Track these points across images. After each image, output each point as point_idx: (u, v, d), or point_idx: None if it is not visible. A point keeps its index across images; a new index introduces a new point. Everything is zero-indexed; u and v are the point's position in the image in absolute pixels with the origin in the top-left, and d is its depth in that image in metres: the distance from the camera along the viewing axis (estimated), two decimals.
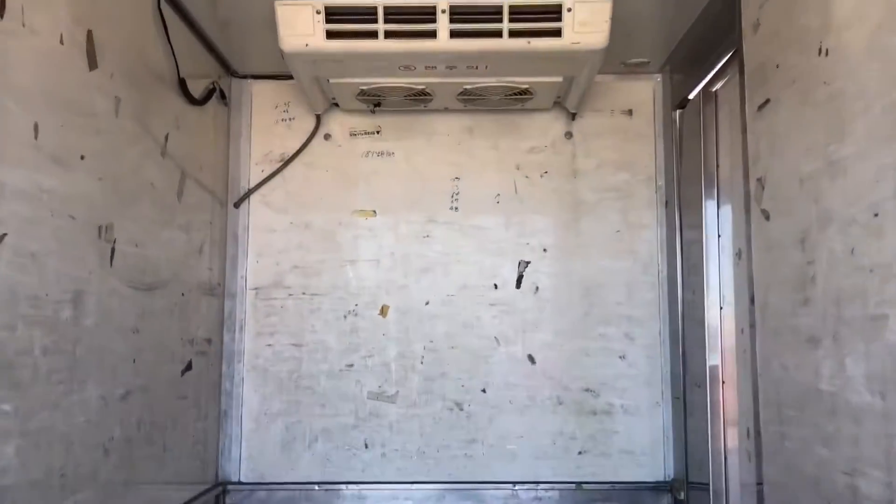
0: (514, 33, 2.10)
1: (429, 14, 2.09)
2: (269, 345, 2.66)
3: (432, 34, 2.10)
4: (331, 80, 2.38)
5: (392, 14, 2.09)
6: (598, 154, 2.72)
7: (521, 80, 2.38)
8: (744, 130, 1.85)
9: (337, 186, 2.72)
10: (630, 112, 2.73)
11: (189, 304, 2.30)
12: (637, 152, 2.71)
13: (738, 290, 2.15)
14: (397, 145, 2.73)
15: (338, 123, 2.75)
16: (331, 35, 2.11)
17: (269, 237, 2.70)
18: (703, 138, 2.33)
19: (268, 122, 2.75)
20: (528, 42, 2.11)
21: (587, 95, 2.59)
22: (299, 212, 2.71)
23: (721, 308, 2.27)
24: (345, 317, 2.67)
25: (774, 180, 1.68)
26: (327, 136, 2.74)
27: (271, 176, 2.72)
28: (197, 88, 2.36)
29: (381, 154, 2.73)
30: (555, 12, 2.09)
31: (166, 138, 2.13)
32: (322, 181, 2.72)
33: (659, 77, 2.74)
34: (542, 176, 2.71)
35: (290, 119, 2.75)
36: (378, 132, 2.74)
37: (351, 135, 2.74)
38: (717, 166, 2.30)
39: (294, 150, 2.72)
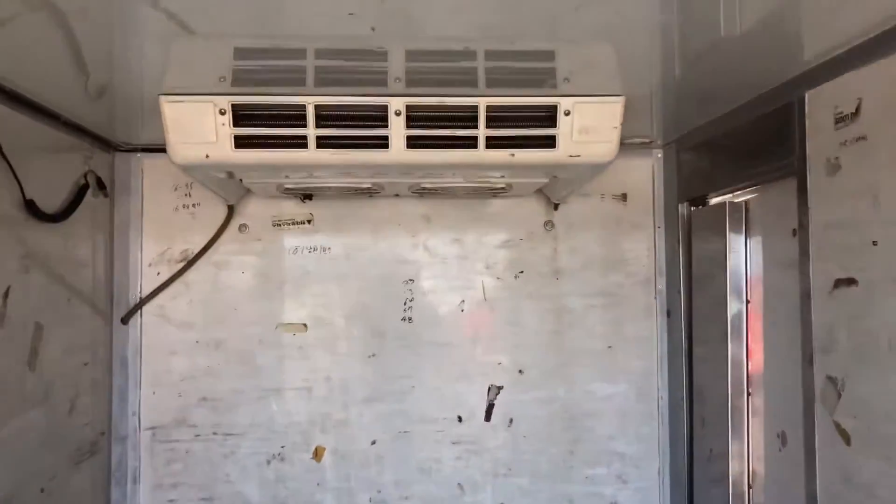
0: (493, 143, 1.59)
1: (378, 117, 1.56)
2: (171, 500, 2.13)
3: (383, 143, 1.57)
4: (244, 181, 1.82)
5: (328, 116, 1.54)
6: (585, 249, 2.24)
7: (497, 181, 1.87)
8: (805, 298, 1.40)
9: (256, 293, 2.18)
10: (624, 196, 2.26)
11: (58, 477, 1.75)
12: (632, 247, 2.25)
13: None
14: (335, 238, 2.20)
15: (257, 211, 2.19)
16: (241, 143, 1.55)
17: (168, 361, 2.15)
18: (728, 250, 1.88)
19: (165, 209, 2.17)
20: (512, 154, 1.60)
21: None
22: (208, 327, 2.16)
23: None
24: (268, 462, 2.15)
25: (860, 396, 1.24)
26: (243, 228, 2.18)
27: (170, 281, 2.15)
28: (60, 185, 1.77)
29: (313, 250, 2.20)
30: (547, 116, 1.58)
31: (6, 294, 1.56)
32: (237, 286, 2.17)
33: (660, 153, 2.26)
34: (516, 277, 2.23)
35: (194, 205, 2.18)
36: (309, 222, 2.20)
37: (274, 225, 2.19)
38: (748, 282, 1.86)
39: (200, 246, 2.16)
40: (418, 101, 1.55)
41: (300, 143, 1.56)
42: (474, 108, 1.56)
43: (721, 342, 1.90)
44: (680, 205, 2.15)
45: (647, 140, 2.14)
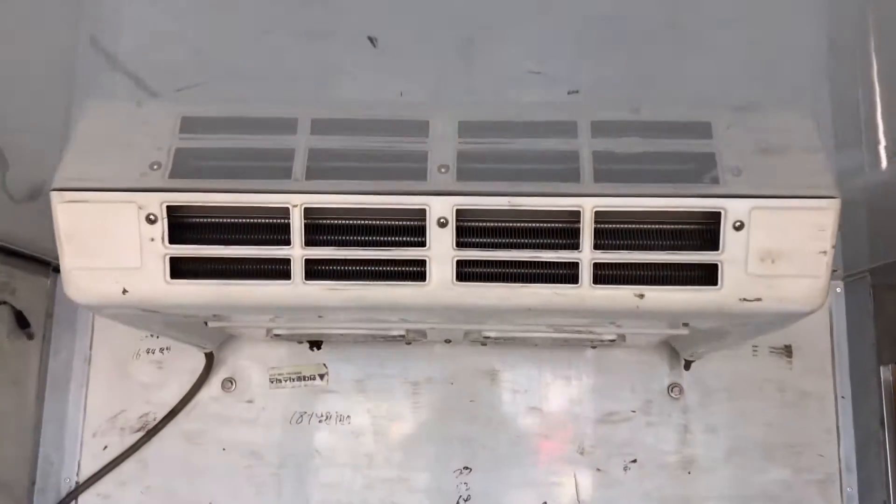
0: (605, 275, 0.95)
1: (410, 229, 0.96)
2: None
3: (416, 272, 0.96)
4: (209, 324, 1.23)
5: (325, 228, 0.95)
6: (732, 429, 1.55)
7: (603, 332, 1.22)
8: None
9: (242, 479, 1.54)
10: (788, 350, 1.57)
11: None
12: (804, 428, 1.54)
13: None
14: (357, 403, 1.57)
15: (248, 361, 1.59)
16: (182, 271, 0.96)
17: None
18: None
19: (121, 355, 1.59)
20: (640, 296, 0.95)
21: None
22: None
23: None
24: None
25: None
26: (228, 384, 1.58)
27: (122, 458, 1.55)
28: None
29: (325, 418, 1.56)
30: (703, 231, 0.95)
31: None
32: (215, 469, 1.55)
33: (840, 288, 1.58)
34: (626, 469, 1.53)
35: (162, 350, 1.59)
36: (322, 377, 1.58)
37: (272, 381, 1.58)
38: None
39: (167, 409, 1.56)
40: (476, 204, 0.94)
41: (279, 270, 0.96)
42: (575, 217, 0.94)
43: None
44: (882, 367, 1.45)
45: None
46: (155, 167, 0.95)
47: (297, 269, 0.95)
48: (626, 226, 0.95)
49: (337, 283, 0.96)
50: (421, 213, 0.94)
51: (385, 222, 0.96)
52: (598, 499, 1.52)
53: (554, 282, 0.95)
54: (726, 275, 0.94)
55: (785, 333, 1.57)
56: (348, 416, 1.56)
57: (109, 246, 0.95)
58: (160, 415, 1.56)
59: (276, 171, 0.94)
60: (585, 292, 0.95)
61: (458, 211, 0.94)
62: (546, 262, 0.95)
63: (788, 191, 0.92)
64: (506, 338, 1.30)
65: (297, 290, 0.96)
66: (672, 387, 1.56)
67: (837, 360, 1.56)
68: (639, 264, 0.95)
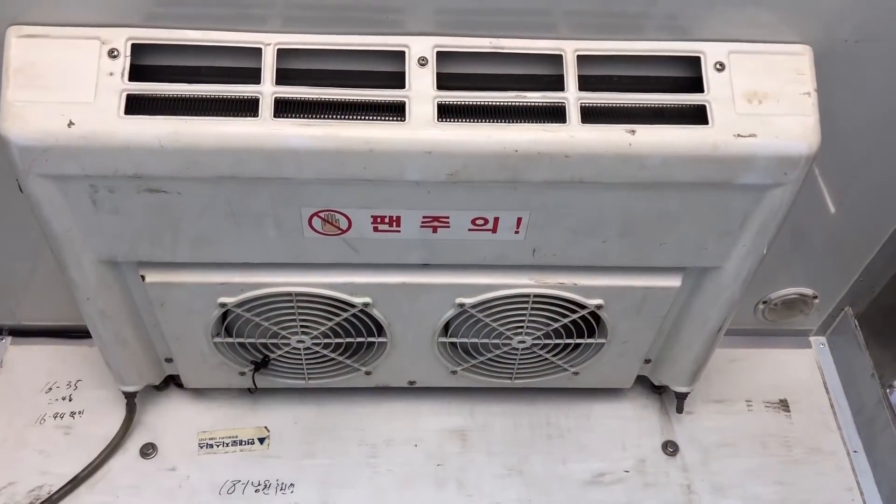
0: (594, 114, 0.92)
1: (387, 75, 0.93)
2: None
3: (395, 111, 0.90)
4: (147, 278, 1.08)
5: (300, 73, 0.92)
6: (741, 487, 1.34)
7: (591, 284, 1.12)
8: None
9: None
10: (784, 404, 1.44)
11: None
12: (822, 486, 1.35)
13: None
14: (302, 470, 1.32)
15: (173, 422, 1.36)
16: (138, 106, 0.88)
17: None
18: None
19: (21, 420, 1.35)
20: (631, 132, 0.90)
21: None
22: None
23: None
24: None
25: None
26: (149, 451, 1.32)
27: None
28: None
29: (264, 488, 1.30)
30: (685, 80, 0.95)
31: None
32: None
33: (823, 341, 1.51)
34: None
35: (73, 414, 1.35)
36: (262, 441, 1.34)
37: (202, 446, 1.33)
38: None
39: (68, 479, 1.27)
40: (458, 46, 0.93)
41: (246, 109, 0.89)
42: (557, 60, 0.93)
43: None
44: (888, 390, 1.33)
45: (810, 292, 1.40)
46: (123, 7, 0.92)
47: (267, 105, 0.89)
48: (610, 73, 0.94)
49: (309, 119, 0.89)
50: (400, 56, 0.92)
51: (363, 67, 0.93)
52: None
53: (540, 120, 0.91)
54: (716, 113, 0.92)
55: (778, 388, 1.45)
56: (292, 485, 1.30)
57: (61, 80, 0.88)
58: (55, 487, 1.27)
59: (252, 18, 0.92)
60: (574, 130, 0.90)
61: (438, 53, 0.92)
62: (532, 107, 0.91)
63: (763, 37, 0.95)
64: (481, 320, 1.15)
65: (264, 126, 0.88)
66: (667, 445, 1.37)
67: (839, 415, 1.42)
68: (627, 108, 0.92)
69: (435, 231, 1.02)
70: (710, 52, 0.94)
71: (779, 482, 1.34)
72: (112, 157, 0.89)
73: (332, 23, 0.92)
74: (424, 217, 0.99)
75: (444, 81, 0.92)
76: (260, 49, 0.91)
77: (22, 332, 1.43)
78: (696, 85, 0.94)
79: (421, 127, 0.89)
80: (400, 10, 0.91)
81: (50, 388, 1.38)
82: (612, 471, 1.34)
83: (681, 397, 1.36)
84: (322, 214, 0.99)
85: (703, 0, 0.92)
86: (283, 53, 0.91)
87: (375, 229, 1.01)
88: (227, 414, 1.37)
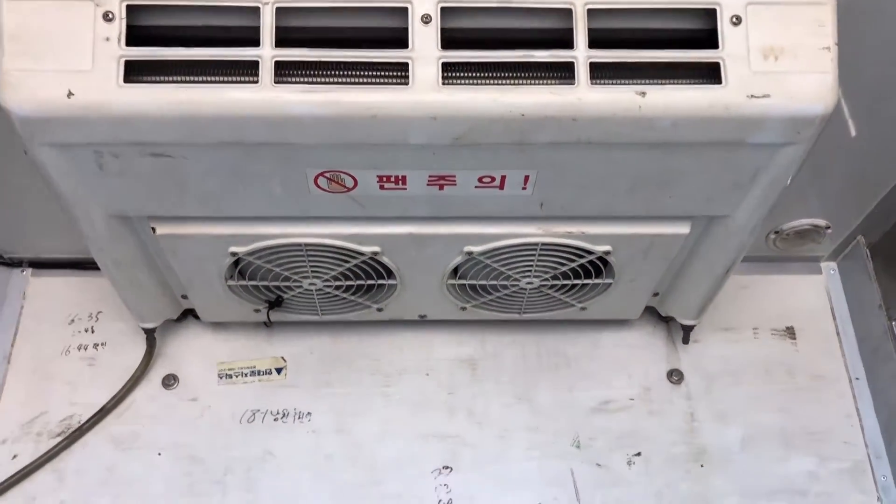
0: (603, 74, 0.89)
1: (389, 35, 0.90)
2: None
3: (398, 75, 0.88)
4: (158, 230, 1.09)
5: (299, 33, 0.89)
6: (743, 416, 1.38)
7: (599, 232, 1.12)
8: None
9: (182, 491, 1.29)
10: (790, 332, 1.46)
11: None
12: (822, 413, 1.39)
13: None
14: (318, 399, 1.38)
15: (193, 354, 1.41)
16: (137, 74, 0.87)
17: None
18: None
19: (47, 351, 1.40)
20: (642, 94, 0.88)
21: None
22: None
23: None
24: None
25: None
26: (171, 382, 1.38)
27: (33, 468, 1.30)
28: None
29: (282, 417, 1.36)
30: (700, 34, 0.91)
31: None
32: (146, 479, 1.30)
33: (833, 267, 1.51)
34: (630, 463, 1.33)
35: (96, 345, 1.40)
36: (279, 371, 1.39)
37: (221, 377, 1.38)
38: None
39: (96, 409, 1.34)
40: (463, 0, 0.88)
41: (246, 73, 0.87)
42: (567, 16, 0.89)
43: None
44: (894, 324, 1.34)
45: (822, 224, 1.39)
46: None
47: (267, 69, 0.86)
48: (621, 27, 0.91)
49: (310, 85, 0.87)
50: (402, 12, 0.88)
51: (363, 23, 0.90)
52: (602, 499, 1.30)
53: (546, 81, 0.88)
54: (730, 71, 0.88)
55: (785, 315, 1.47)
56: (308, 413, 1.36)
57: (58, 47, 0.86)
58: (86, 417, 1.33)
59: None
60: (583, 92, 0.88)
61: (442, 9, 0.88)
62: (539, 63, 0.89)
63: None
64: (490, 265, 1.16)
65: (265, 93, 0.86)
66: (672, 373, 1.41)
67: (844, 341, 1.45)
68: (638, 65, 0.89)
69: (441, 188, 1.01)
70: (726, 4, 0.89)
71: (780, 409, 1.38)
72: (113, 126, 0.88)
73: None
74: (430, 176, 0.99)
75: (449, 37, 0.89)
76: (258, 8, 0.88)
77: (42, 265, 1.46)
78: (710, 38, 0.90)
79: (425, 91, 0.87)
80: None
81: (72, 321, 1.42)
82: (617, 398, 1.38)
83: (687, 329, 1.39)
84: (327, 174, 0.98)
85: None
86: (281, 11, 0.88)
87: (381, 187, 1.01)
88: (244, 344, 1.41)
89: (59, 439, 1.31)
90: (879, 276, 1.39)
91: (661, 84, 0.88)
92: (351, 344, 1.41)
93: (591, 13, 0.89)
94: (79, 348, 1.39)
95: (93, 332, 1.41)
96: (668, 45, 0.90)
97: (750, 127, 0.90)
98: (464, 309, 1.32)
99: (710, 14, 0.90)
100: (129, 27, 0.87)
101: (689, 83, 0.88)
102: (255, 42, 0.88)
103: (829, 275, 1.51)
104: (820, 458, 1.34)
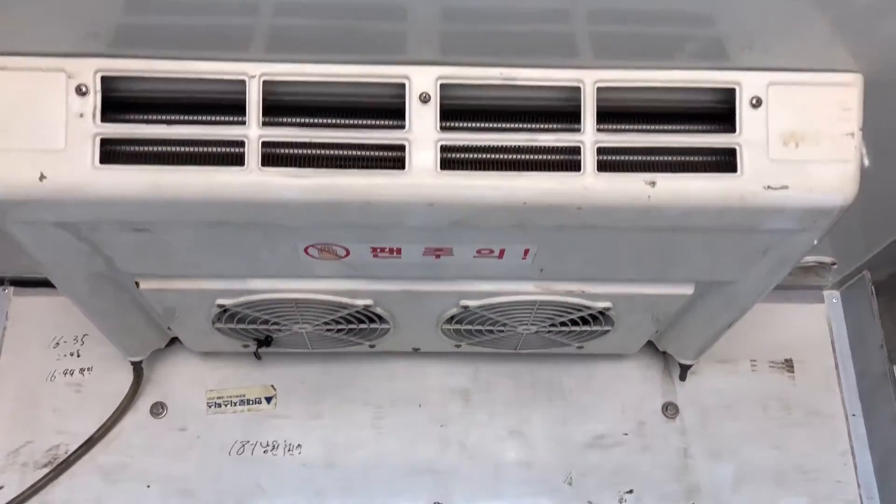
0: (610, 160, 0.84)
1: (385, 109, 0.83)
2: None
3: (394, 157, 0.82)
4: (141, 285, 1.04)
5: (288, 107, 0.83)
6: (737, 453, 1.37)
7: (600, 292, 1.08)
8: None
9: None
10: (789, 365, 1.43)
11: None
12: (815, 450, 1.38)
13: None
14: (309, 430, 1.36)
15: (182, 382, 1.38)
16: (114, 153, 0.81)
17: None
18: None
19: (32, 377, 1.37)
20: (651, 184, 0.83)
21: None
22: None
23: None
24: None
25: None
26: (159, 410, 1.35)
27: (20, 499, 1.28)
28: None
29: (272, 448, 1.34)
30: (716, 113, 0.85)
31: None
32: None
33: (836, 297, 1.48)
34: (621, 501, 1.33)
35: (82, 370, 1.37)
36: (269, 400, 1.37)
37: (211, 406, 1.36)
38: None
39: (83, 438, 1.31)
40: (464, 77, 0.82)
41: (231, 153, 0.81)
42: (575, 94, 0.83)
43: None
44: (895, 367, 1.32)
45: (828, 261, 1.35)
46: (93, 35, 0.81)
47: (253, 150, 0.81)
48: (630, 101, 0.85)
49: (300, 169, 0.82)
50: (399, 88, 0.82)
51: (357, 98, 0.83)
52: None
53: (553, 169, 0.83)
54: (746, 159, 0.83)
55: (785, 347, 1.44)
56: (299, 445, 1.34)
57: (29, 123, 0.80)
58: (74, 446, 1.31)
59: (233, 43, 0.82)
60: (589, 180, 0.82)
61: (442, 85, 0.82)
62: (544, 148, 0.83)
63: (807, 64, 0.84)
64: (485, 316, 1.13)
65: (251, 177, 0.81)
66: (667, 407, 1.39)
67: (843, 376, 1.43)
68: (648, 150, 0.84)
69: (438, 258, 0.96)
70: (746, 84, 0.83)
71: (775, 446, 1.37)
72: (90, 208, 0.83)
73: (322, 49, 0.82)
74: (427, 248, 0.94)
75: (448, 116, 0.83)
76: (244, 80, 0.82)
77: (24, 283, 1.42)
78: (727, 116, 0.84)
79: (422, 177, 0.82)
80: (401, 34, 0.81)
81: (57, 344, 1.38)
82: (611, 433, 1.37)
83: (684, 367, 1.36)
84: (318, 246, 0.93)
85: (749, 24, 0.80)
86: (269, 85, 0.82)
87: (375, 256, 0.96)
88: (234, 371, 1.38)
89: (45, 470, 1.29)
90: (883, 316, 1.36)
91: (672, 172, 0.83)
92: (342, 373, 1.38)
93: (602, 91, 0.83)
94: (64, 373, 1.36)
95: (78, 356, 1.38)
96: (681, 119, 0.85)
97: (764, 217, 0.86)
98: (458, 346, 1.29)
99: (729, 93, 0.84)
100: (104, 98, 0.81)
101: (703, 174, 0.83)
102: (240, 115, 0.82)
103: (831, 304, 1.47)
104: (812, 498, 1.34)
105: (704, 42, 0.82)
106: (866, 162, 1.12)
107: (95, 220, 0.85)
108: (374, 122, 0.83)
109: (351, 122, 0.83)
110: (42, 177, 0.80)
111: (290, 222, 0.86)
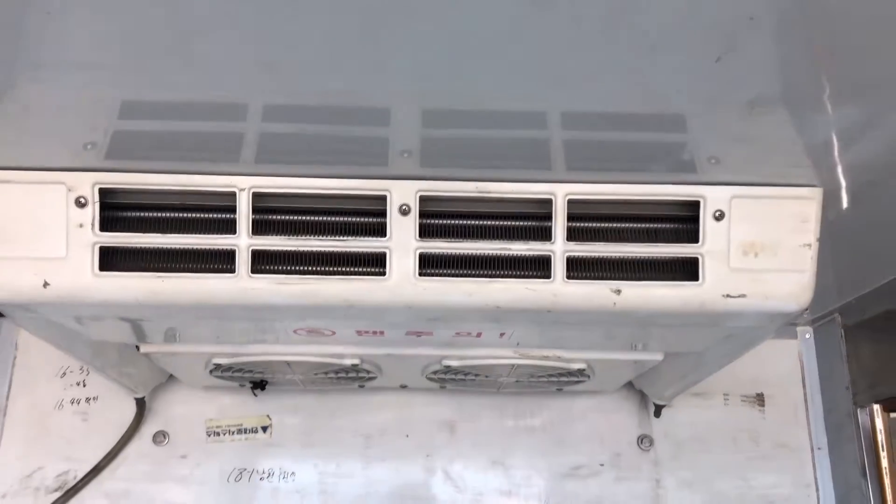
0: (579, 270, 0.88)
1: (366, 223, 0.88)
2: None
3: (376, 267, 0.87)
4: (142, 349, 1.11)
5: (275, 221, 0.87)
6: (707, 484, 1.45)
7: (576, 357, 1.14)
8: None
9: None
10: (760, 399, 1.50)
11: None
12: (781, 482, 1.45)
13: None
14: (303, 458, 1.44)
15: (183, 411, 1.45)
16: (113, 262, 0.86)
17: None
18: None
19: (41, 405, 1.44)
20: (617, 292, 0.88)
21: None
22: None
23: None
24: None
25: None
26: (161, 438, 1.43)
27: None
28: None
29: (268, 476, 1.42)
30: (679, 227, 0.89)
31: None
32: None
33: (809, 332, 1.53)
34: None
35: (88, 400, 1.44)
36: (265, 429, 1.45)
37: (209, 435, 1.44)
38: None
39: (90, 464, 1.40)
40: (442, 190, 0.87)
41: (222, 263, 0.87)
42: (547, 205, 0.87)
43: None
44: (859, 411, 1.38)
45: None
46: (89, 147, 0.86)
47: (244, 259, 0.86)
48: (600, 220, 0.89)
49: (287, 276, 0.87)
50: (381, 200, 0.87)
51: (341, 211, 0.88)
52: None
53: (525, 276, 0.88)
54: (708, 269, 0.88)
55: (757, 380, 1.51)
56: (293, 473, 1.42)
57: (31, 233, 0.85)
58: (82, 473, 1.39)
59: (223, 155, 0.86)
60: (558, 287, 0.88)
61: (421, 198, 0.87)
62: (516, 256, 0.88)
63: (769, 179, 0.88)
64: (467, 370, 1.19)
65: (241, 283, 0.86)
66: (642, 439, 1.46)
67: (811, 410, 1.49)
68: (615, 259, 0.88)
69: (419, 336, 1.02)
70: (711, 198, 0.88)
71: (742, 478, 1.44)
72: (90, 308, 0.89)
73: (309, 163, 0.86)
74: (409, 332, 1.00)
75: (427, 225, 0.88)
76: (234, 193, 0.86)
77: None
78: (692, 226, 0.89)
79: (401, 284, 0.87)
80: (382, 152, 0.85)
81: (64, 374, 1.45)
82: (588, 464, 1.44)
83: (659, 406, 1.43)
84: (306, 329, 0.99)
85: (715, 143, 0.84)
86: (258, 197, 0.87)
87: (360, 335, 1.02)
88: (232, 401, 1.45)
89: (56, 495, 1.38)
90: (850, 359, 1.41)
91: (637, 281, 0.88)
92: (334, 403, 1.45)
93: (572, 203, 0.87)
94: (72, 402, 1.44)
95: (84, 385, 1.45)
96: (648, 230, 0.90)
97: (723, 320, 0.91)
98: (444, 387, 1.36)
99: (693, 206, 0.89)
100: (103, 208, 0.86)
101: (665, 283, 0.88)
102: (231, 225, 0.87)
103: (804, 339, 1.53)
104: None
105: (672, 157, 0.86)
106: (844, 204, 1.15)
107: (96, 314, 0.90)
108: (357, 226, 0.87)
109: (336, 226, 0.88)
110: (46, 284, 0.86)
111: (278, 318, 0.92)
